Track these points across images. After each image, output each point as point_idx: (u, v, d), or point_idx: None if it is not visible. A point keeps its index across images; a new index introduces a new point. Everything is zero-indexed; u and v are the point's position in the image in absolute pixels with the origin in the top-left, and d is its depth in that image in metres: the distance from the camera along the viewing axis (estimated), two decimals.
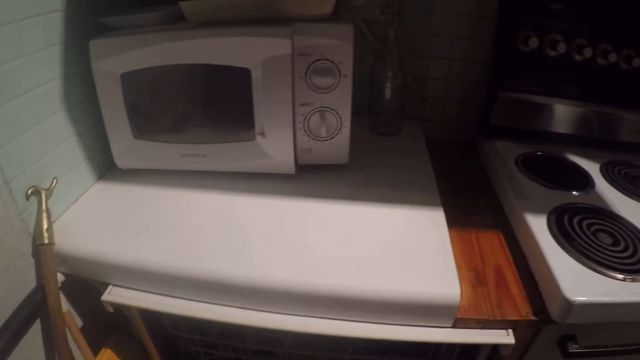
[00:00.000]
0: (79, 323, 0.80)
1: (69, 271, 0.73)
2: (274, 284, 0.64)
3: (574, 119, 0.99)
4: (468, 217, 0.83)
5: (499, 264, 0.73)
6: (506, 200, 0.85)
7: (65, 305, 0.73)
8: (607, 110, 0.97)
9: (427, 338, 0.64)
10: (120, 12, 0.82)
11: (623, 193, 0.84)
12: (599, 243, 0.70)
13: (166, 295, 0.69)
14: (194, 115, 0.81)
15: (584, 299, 0.60)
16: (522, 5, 0.90)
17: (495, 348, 0.68)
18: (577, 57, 0.91)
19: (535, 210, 0.76)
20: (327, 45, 0.73)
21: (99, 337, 0.86)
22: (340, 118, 0.79)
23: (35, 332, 0.71)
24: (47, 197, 0.71)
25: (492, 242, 0.77)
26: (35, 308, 0.69)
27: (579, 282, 0.62)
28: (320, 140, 0.81)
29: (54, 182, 0.73)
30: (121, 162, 0.84)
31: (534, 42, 0.90)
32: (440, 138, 1.11)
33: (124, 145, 0.82)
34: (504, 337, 0.64)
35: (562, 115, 0.98)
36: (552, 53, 0.91)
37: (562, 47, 0.89)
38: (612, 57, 0.89)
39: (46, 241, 0.69)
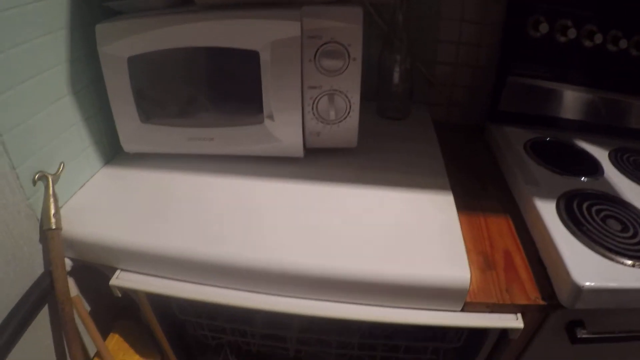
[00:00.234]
0: (87, 308, 0.80)
1: (76, 256, 0.72)
2: (282, 268, 0.64)
3: (583, 106, 0.98)
4: (476, 202, 0.82)
5: (507, 248, 0.73)
6: (515, 186, 0.85)
7: (75, 290, 0.73)
8: (616, 97, 0.96)
9: (437, 322, 0.64)
10: None
11: (632, 180, 0.84)
12: (608, 229, 0.70)
13: (174, 279, 0.69)
14: (201, 99, 0.80)
15: (593, 284, 0.60)
16: None
17: (504, 332, 0.68)
18: (587, 43, 0.90)
19: (545, 196, 0.76)
20: (337, 28, 0.73)
21: (106, 322, 0.86)
22: (349, 101, 0.79)
23: (43, 317, 0.71)
24: (54, 182, 0.71)
25: (500, 227, 0.77)
26: (43, 294, 0.69)
27: (588, 268, 0.62)
28: (329, 124, 0.81)
29: (61, 167, 0.72)
30: (128, 146, 0.84)
31: (544, 28, 0.88)
32: (448, 122, 1.11)
33: (131, 129, 0.81)
34: (513, 321, 0.64)
35: (571, 101, 0.98)
36: (562, 39, 0.90)
37: (572, 33, 0.88)
38: (623, 43, 0.88)
39: (53, 226, 0.69)
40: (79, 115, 0.78)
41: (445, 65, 1.06)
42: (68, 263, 0.72)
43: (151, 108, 0.80)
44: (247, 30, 0.71)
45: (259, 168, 0.83)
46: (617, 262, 0.64)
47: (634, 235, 0.69)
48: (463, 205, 0.78)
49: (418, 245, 0.67)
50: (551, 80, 0.96)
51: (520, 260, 0.70)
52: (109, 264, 0.71)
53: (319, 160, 0.85)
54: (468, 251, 0.67)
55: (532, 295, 0.65)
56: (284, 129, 0.79)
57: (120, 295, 0.70)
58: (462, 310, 0.65)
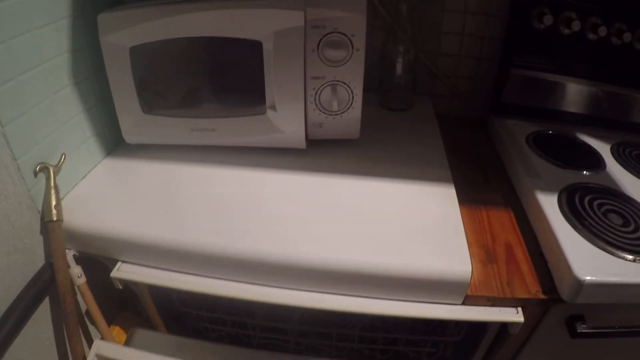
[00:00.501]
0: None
1: (77, 248, 0.73)
2: (283, 260, 0.64)
3: (586, 99, 0.97)
4: (478, 194, 0.82)
5: (509, 241, 0.73)
6: (517, 178, 0.84)
7: (82, 278, 0.73)
8: (619, 91, 0.95)
9: (437, 315, 0.64)
10: None
11: (634, 175, 0.84)
12: (610, 223, 0.70)
13: (175, 271, 0.69)
14: (203, 89, 0.79)
15: (594, 278, 0.60)
16: None
17: (504, 326, 0.68)
18: (591, 36, 0.89)
19: (547, 189, 0.76)
20: (340, 18, 0.72)
21: (107, 314, 0.86)
22: (352, 92, 0.78)
23: (44, 309, 0.71)
24: (56, 174, 0.70)
25: (502, 220, 0.77)
26: (44, 285, 0.69)
27: (589, 262, 0.62)
28: (332, 115, 0.81)
29: (62, 158, 0.72)
30: (129, 137, 0.83)
31: (548, 20, 0.88)
32: (450, 114, 1.10)
33: (133, 120, 0.81)
34: (514, 315, 0.64)
35: (574, 94, 0.97)
36: (566, 31, 0.89)
37: (576, 26, 0.87)
38: (627, 37, 0.88)
39: (55, 218, 0.68)
40: (81, 106, 0.77)
41: (448, 56, 1.05)
42: (72, 253, 0.72)
43: (153, 99, 0.79)
44: (250, 20, 0.71)
45: (261, 159, 0.83)
46: (618, 256, 0.64)
47: (635, 230, 0.69)
48: (465, 198, 0.78)
49: (419, 238, 0.67)
50: (554, 72, 0.95)
51: (521, 254, 0.70)
52: (110, 255, 0.71)
53: (321, 152, 0.85)
54: (469, 244, 0.67)
55: (533, 289, 0.65)
56: (286, 120, 0.79)
57: (121, 287, 0.70)
58: (463, 303, 0.65)
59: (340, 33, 0.73)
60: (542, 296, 0.64)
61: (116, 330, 0.87)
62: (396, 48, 0.94)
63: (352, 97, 0.79)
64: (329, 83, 0.77)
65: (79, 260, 0.73)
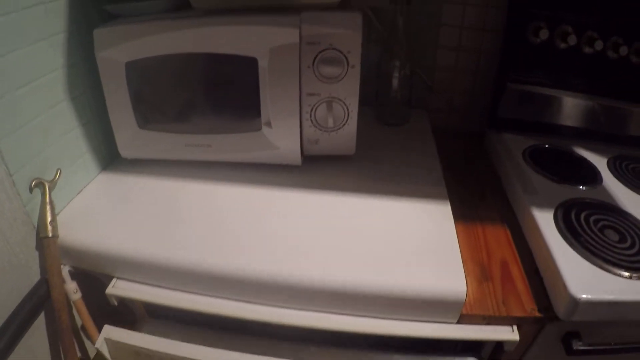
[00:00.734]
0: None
1: (73, 264, 0.72)
2: (278, 279, 0.64)
3: (583, 113, 0.97)
4: (474, 210, 0.82)
5: (505, 258, 0.72)
6: (513, 194, 0.84)
7: (77, 293, 0.73)
8: (616, 104, 0.95)
9: (431, 334, 0.64)
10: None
11: (630, 189, 0.84)
12: (606, 240, 0.70)
13: (171, 288, 0.69)
14: (199, 105, 0.80)
15: (590, 297, 0.59)
16: None
17: (499, 344, 0.68)
18: (588, 50, 0.89)
19: (543, 205, 0.76)
20: (335, 35, 0.72)
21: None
22: (348, 109, 0.78)
23: (39, 325, 0.71)
24: (51, 189, 0.70)
25: (498, 236, 0.77)
26: (39, 301, 0.69)
27: (585, 280, 0.62)
28: (327, 131, 0.80)
29: (58, 173, 0.72)
30: (125, 152, 0.84)
31: (544, 34, 0.88)
32: (447, 128, 1.10)
33: (128, 135, 0.81)
34: (509, 333, 0.64)
35: (571, 108, 0.97)
36: (563, 45, 0.90)
37: (572, 40, 0.88)
38: (623, 50, 0.88)
39: (50, 234, 0.68)
40: (77, 120, 0.78)
41: (444, 71, 1.05)
42: (68, 268, 0.72)
43: (149, 113, 0.79)
44: (246, 36, 0.71)
45: (256, 175, 0.82)
46: (614, 273, 0.64)
47: (632, 246, 0.69)
48: (461, 214, 0.78)
49: (414, 257, 0.66)
50: (551, 87, 0.96)
51: (517, 271, 0.70)
52: (105, 272, 0.71)
53: (317, 168, 0.85)
54: (465, 261, 0.67)
55: (529, 307, 0.64)
56: (281, 137, 0.79)
57: (116, 303, 0.70)
58: (458, 322, 0.64)
59: (336, 50, 0.73)
60: (537, 314, 0.64)
61: None
62: (392, 62, 0.94)
63: (348, 114, 0.79)
64: (324, 100, 0.77)
65: (74, 275, 0.73)
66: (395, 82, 0.96)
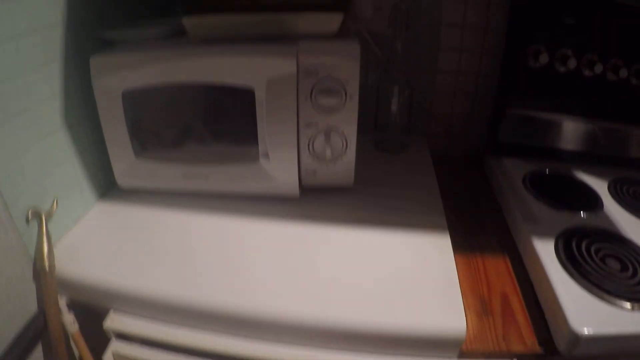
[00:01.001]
0: None
1: (70, 295, 0.72)
2: (277, 316, 0.63)
3: (583, 136, 0.97)
4: (474, 240, 0.82)
5: (505, 290, 0.72)
6: (513, 223, 0.84)
7: (75, 325, 0.72)
8: (616, 127, 0.96)
9: None
10: (121, 26, 0.81)
11: (631, 213, 0.83)
12: (607, 269, 0.69)
13: (168, 323, 0.68)
14: (196, 135, 0.79)
15: (591, 331, 0.59)
16: (533, 19, 0.88)
17: None
18: (588, 73, 0.89)
19: (543, 235, 0.75)
20: (333, 65, 0.72)
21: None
22: (346, 139, 0.78)
23: (37, 357, 0.70)
24: (48, 220, 0.70)
25: (498, 267, 0.76)
26: (36, 333, 0.68)
27: (586, 313, 0.61)
28: (325, 162, 0.80)
29: (55, 204, 0.72)
30: (123, 181, 0.83)
31: (544, 58, 0.88)
32: (446, 153, 1.10)
33: (126, 164, 0.81)
34: None
35: (571, 132, 0.97)
36: (562, 69, 0.89)
37: (572, 63, 0.88)
38: (623, 72, 0.88)
39: (47, 266, 0.68)
40: (73, 149, 0.77)
41: (443, 95, 1.05)
42: (65, 299, 0.71)
43: (146, 143, 0.79)
44: (242, 67, 0.71)
45: (254, 207, 0.82)
46: (616, 305, 0.63)
47: (633, 275, 0.68)
48: (460, 245, 0.77)
49: (413, 292, 0.66)
50: (550, 111, 0.95)
51: (517, 303, 0.70)
52: (102, 305, 0.70)
53: (315, 199, 0.84)
54: (465, 295, 0.66)
55: (529, 342, 0.64)
56: (279, 168, 0.78)
57: (114, 337, 0.70)
58: (458, 358, 0.63)
59: (334, 79, 0.72)
60: (538, 349, 0.63)
61: None
62: (391, 88, 0.94)
63: (346, 145, 0.78)
64: (322, 131, 0.77)
65: (72, 306, 0.72)
66: (394, 108, 0.96)
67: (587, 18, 0.87)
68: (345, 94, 0.74)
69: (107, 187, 0.87)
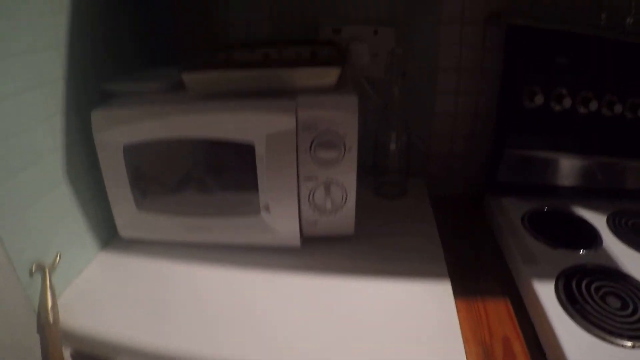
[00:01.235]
0: None
1: (74, 347, 0.72)
2: None
3: (580, 172, 0.98)
4: (475, 284, 0.82)
5: (507, 335, 0.72)
6: (513, 265, 0.84)
7: None
8: (612, 161, 0.96)
9: None
10: (122, 78, 0.82)
11: (630, 247, 0.84)
12: (608, 308, 0.69)
13: None
14: (197, 188, 0.80)
15: None
16: (528, 61, 0.90)
17: None
18: (583, 110, 0.90)
19: (543, 276, 0.75)
20: (332, 119, 0.73)
21: None
22: (346, 191, 0.78)
23: None
24: (51, 273, 0.70)
25: (499, 311, 0.76)
26: None
27: (587, 354, 0.61)
28: (326, 213, 0.80)
29: (58, 257, 0.72)
30: (124, 232, 0.84)
31: (539, 99, 0.89)
32: (445, 195, 1.10)
33: (127, 216, 0.81)
34: None
35: (568, 168, 0.98)
36: (558, 108, 0.91)
37: (567, 102, 0.89)
38: (618, 108, 0.89)
39: (51, 319, 0.68)
40: (76, 201, 0.78)
41: (442, 137, 1.06)
42: (69, 351, 0.71)
43: (147, 195, 0.80)
44: (242, 123, 0.72)
45: (256, 258, 0.82)
46: (617, 344, 0.63)
47: (634, 312, 0.69)
48: (461, 290, 0.77)
49: (415, 342, 0.65)
50: (548, 149, 0.96)
51: (519, 347, 0.70)
52: (106, 356, 0.70)
53: (316, 249, 0.84)
54: (466, 341, 0.66)
55: None
56: (280, 220, 0.79)
57: None
58: None
59: (333, 133, 0.73)
60: None
61: None
62: (389, 133, 0.95)
63: (346, 196, 0.79)
64: (322, 183, 0.77)
65: (76, 357, 0.73)
66: (392, 153, 0.97)
67: (580, 57, 0.89)
68: (344, 146, 0.74)
69: (109, 236, 0.88)
